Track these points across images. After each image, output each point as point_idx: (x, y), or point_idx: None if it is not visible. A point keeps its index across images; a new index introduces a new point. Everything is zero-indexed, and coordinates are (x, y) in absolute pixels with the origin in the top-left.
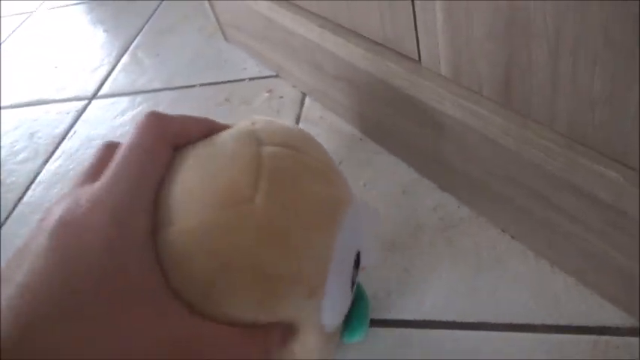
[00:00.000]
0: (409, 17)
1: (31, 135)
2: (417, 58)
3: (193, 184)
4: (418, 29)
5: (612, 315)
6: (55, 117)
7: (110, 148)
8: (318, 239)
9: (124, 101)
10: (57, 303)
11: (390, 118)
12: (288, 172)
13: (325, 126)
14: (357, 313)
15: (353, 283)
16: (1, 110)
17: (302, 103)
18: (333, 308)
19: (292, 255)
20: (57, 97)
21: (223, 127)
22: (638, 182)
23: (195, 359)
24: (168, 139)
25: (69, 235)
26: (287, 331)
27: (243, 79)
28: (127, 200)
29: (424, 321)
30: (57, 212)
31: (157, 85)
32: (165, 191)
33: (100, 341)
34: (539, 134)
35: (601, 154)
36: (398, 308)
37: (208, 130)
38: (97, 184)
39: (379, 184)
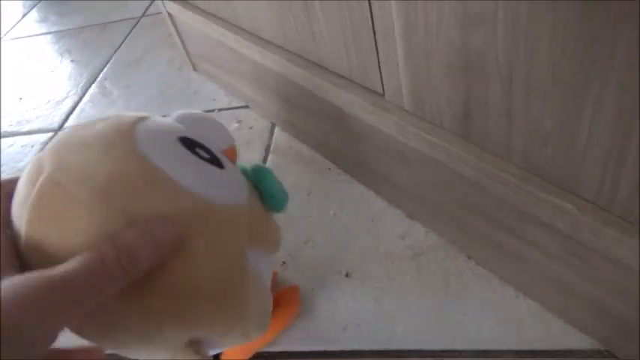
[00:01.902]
0: (372, 54)
1: None
2: (382, 92)
3: None
4: (381, 65)
5: (576, 339)
6: (19, 150)
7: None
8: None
9: None
10: None
11: (357, 149)
12: (59, 142)
13: (294, 155)
14: (264, 184)
15: (213, 159)
16: None
17: (271, 133)
18: (203, 184)
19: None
20: (21, 130)
21: None
22: (591, 212)
23: None
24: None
25: None
26: (152, 224)
27: (213, 110)
28: None
29: (396, 351)
30: None
31: None
32: None
33: None
34: (497, 166)
35: (556, 186)
36: (369, 339)
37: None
38: None
39: (348, 213)
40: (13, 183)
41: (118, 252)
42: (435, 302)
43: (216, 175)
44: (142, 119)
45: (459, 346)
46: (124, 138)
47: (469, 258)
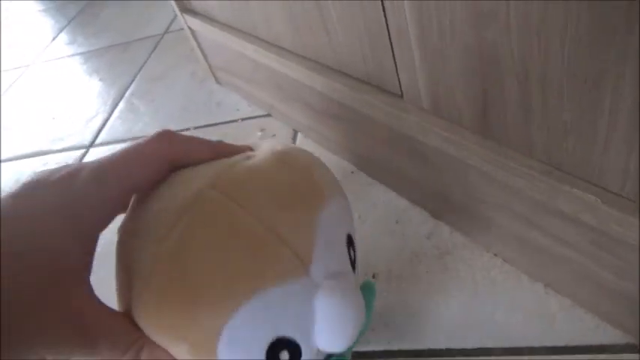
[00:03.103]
0: (389, 56)
1: None
2: (400, 94)
3: (150, 212)
4: (398, 67)
5: (608, 334)
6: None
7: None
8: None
9: None
10: None
11: (379, 151)
12: (205, 226)
13: None
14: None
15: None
16: (1, 164)
17: (294, 140)
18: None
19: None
20: (55, 148)
21: (228, 152)
22: (617, 204)
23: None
24: (166, 155)
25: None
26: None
27: (236, 120)
28: (92, 187)
29: (426, 350)
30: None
31: (152, 130)
32: (142, 205)
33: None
34: (518, 162)
35: (579, 179)
36: (398, 339)
37: (212, 153)
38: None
39: (373, 216)
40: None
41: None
42: (464, 301)
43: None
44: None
45: (489, 343)
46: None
47: (496, 255)
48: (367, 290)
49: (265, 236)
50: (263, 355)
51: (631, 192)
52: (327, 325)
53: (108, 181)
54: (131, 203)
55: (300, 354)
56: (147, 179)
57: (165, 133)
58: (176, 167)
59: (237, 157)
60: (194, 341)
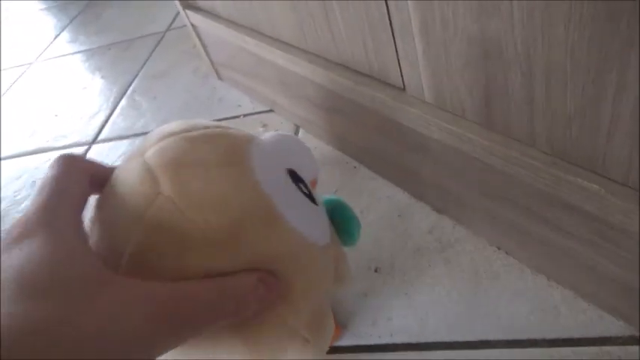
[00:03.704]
0: (391, 49)
1: (33, 184)
2: (402, 87)
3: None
4: (400, 60)
5: (612, 325)
6: None
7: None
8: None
9: (123, 145)
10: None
11: (381, 145)
12: (175, 157)
13: (319, 156)
14: (341, 219)
15: (310, 195)
16: (3, 161)
17: (297, 135)
18: (306, 223)
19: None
20: (57, 145)
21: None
22: (621, 193)
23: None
24: (78, 166)
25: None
26: (265, 276)
27: (238, 116)
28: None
29: (428, 343)
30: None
31: (154, 126)
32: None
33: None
34: (522, 152)
35: (582, 169)
36: (401, 332)
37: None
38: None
39: (375, 210)
40: (99, 167)
41: (236, 293)
42: (466, 294)
43: (314, 213)
44: (252, 139)
45: (491, 336)
46: (240, 162)
47: (499, 248)
48: (339, 209)
49: (212, 131)
50: (292, 184)
51: (635, 182)
52: (294, 150)
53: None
54: None
55: (307, 185)
56: (81, 194)
57: (62, 155)
58: (95, 182)
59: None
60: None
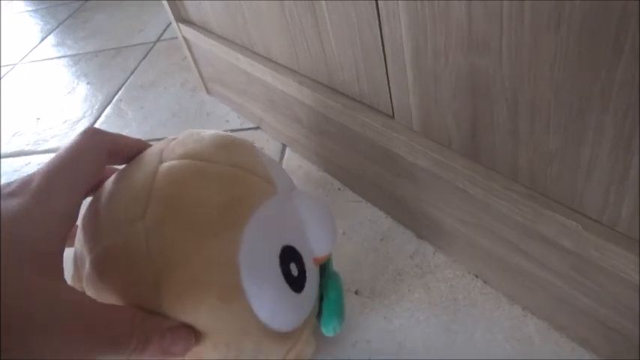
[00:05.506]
0: (383, 76)
1: None
2: (391, 114)
3: (106, 207)
4: (391, 88)
5: (583, 357)
6: (35, 168)
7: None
8: (213, 244)
9: None
10: None
11: (367, 169)
12: (177, 184)
13: (305, 176)
14: (327, 306)
15: (300, 276)
16: None
17: (282, 154)
18: (270, 309)
19: (185, 261)
20: (38, 149)
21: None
22: (596, 230)
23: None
24: (101, 143)
25: None
26: (181, 331)
27: (225, 132)
28: (52, 183)
29: None
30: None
31: (139, 137)
32: (92, 207)
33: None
34: (503, 185)
35: (561, 204)
36: (379, 354)
37: (136, 142)
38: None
39: (358, 233)
40: (122, 140)
41: (147, 335)
42: (444, 320)
43: (291, 302)
44: (271, 196)
45: None
46: (233, 225)
47: (477, 277)
48: (330, 281)
49: (234, 171)
50: (278, 267)
51: (610, 219)
52: (315, 222)
53: (63, 175)
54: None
55: (303, 264)
56: (95, 168)
57: (90, 128)
58: (113, 158)
59: (158, 144)
60: (219, 280)
